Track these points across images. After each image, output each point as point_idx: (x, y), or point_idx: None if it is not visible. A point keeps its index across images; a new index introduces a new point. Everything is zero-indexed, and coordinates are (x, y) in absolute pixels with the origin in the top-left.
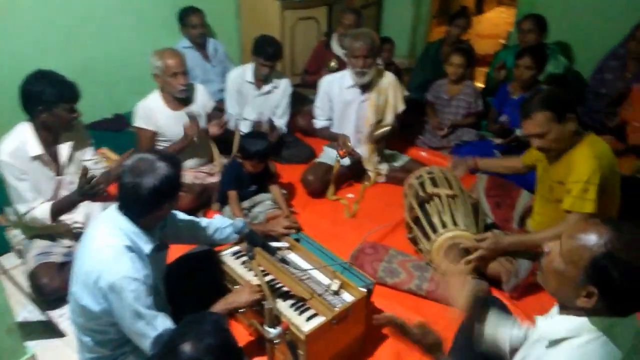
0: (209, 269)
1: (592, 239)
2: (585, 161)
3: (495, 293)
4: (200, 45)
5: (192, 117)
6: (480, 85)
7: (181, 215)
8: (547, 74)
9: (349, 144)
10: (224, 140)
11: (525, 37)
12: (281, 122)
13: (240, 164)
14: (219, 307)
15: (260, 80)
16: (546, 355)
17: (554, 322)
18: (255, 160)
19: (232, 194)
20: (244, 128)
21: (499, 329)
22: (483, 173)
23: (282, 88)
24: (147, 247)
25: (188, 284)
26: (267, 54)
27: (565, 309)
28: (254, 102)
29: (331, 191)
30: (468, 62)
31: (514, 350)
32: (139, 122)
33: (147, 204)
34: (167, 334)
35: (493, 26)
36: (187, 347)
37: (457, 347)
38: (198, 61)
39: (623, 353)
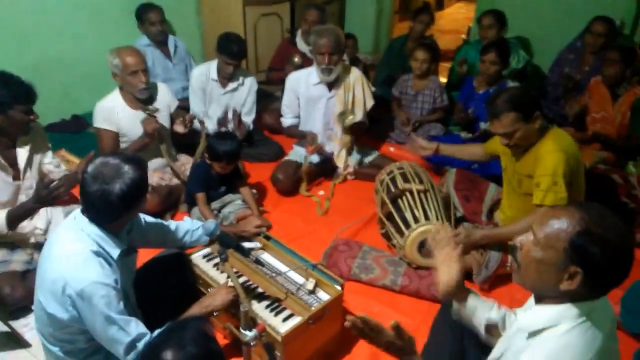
0: (179, 273)
1: (565, 221)
2: (552, 154)
3: (467, 285)
4: (160, 42)
5: (150, 113)
6: (443, 80)
7: (148, 219)
8: (510, 68)
9: (318, 141)
10: (190, 139)
11: (486, 33)
12: (248, 120)
13: (208, 165)
14: (195, 311)
15: (225, 78)
16: (529, 346)
17: (532, 314)
18: (225, 162)
19: (201, 196)
20: (210, 126)
21: (477, 309)
22: (451, 166)
23: (248, 85)
24: (114, 251)
25: (158, 288)
26: (231, 53)
27: (542, 299)
28: (219, 100)
29: (304, 187)
30: (433, 58)
31: (489, 328)
32: (99, 123)
33: (117, 210)
34: (144, 341)
35: (453, 21)
36: (168, 356)
37: (433, 342)
38: (159, 59)
39: (603, 335)
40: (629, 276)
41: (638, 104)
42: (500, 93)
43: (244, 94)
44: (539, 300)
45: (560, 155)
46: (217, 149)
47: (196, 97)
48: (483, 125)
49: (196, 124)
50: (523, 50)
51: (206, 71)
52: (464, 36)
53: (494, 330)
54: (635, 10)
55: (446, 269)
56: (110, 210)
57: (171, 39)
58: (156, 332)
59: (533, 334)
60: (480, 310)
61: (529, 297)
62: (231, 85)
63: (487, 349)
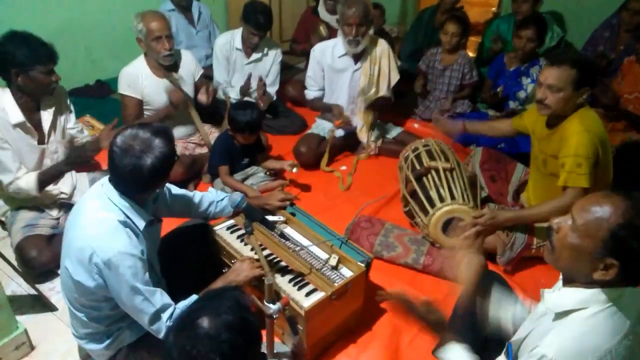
0: (202, 243)
1: (607, 210)
2: (578, 135)
3: (491, 266)
4: (184, 8)
5: (175, 83)
6: (472, 55)
7: (174, 189)
8: (545, 46)
9: (345, 113)
10: (213, 109)
11: (519, 7)
12: (271, 91)
13: (230, 136)
14: (219, 286)
15: (250, 48)
16: (554, 327)
17: (562, 295)
18: (247, 133)
19: (224, 169)
20: (232, 95)
21: (502, 309)
22: (476, 144)
23: (272, 56)
24: (141, 222)
25: (181, 258)
26: (257, 23)
27: (571, 282)
28: (242, 69)
29: (325, 162)
30: (464, 31)
31: (517, 329)
32: (123, 89)
33: (147, 184)
34: (168, 312)
35: None
36: (204, 322)
37: (456, 325)
38: (182, 25)
39: (630, 322)
40: None
41: None
42: (571, 49)
43: (267, 65)
44: (568, 282)
45: (586, 135)
46: (238, 119)
47: (220, 65)
48: (512, 105)
49: (220, 94)
50: (557, 27)
51: (230, 40)
52: (494, 9)
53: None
54: None
55: (467, 265)
56: (141, 183)
57: (195, 5)
58: (181, 303)
59: (559, 316)
60: (505, 306)
61: (554, 282)
62: (255, 56)
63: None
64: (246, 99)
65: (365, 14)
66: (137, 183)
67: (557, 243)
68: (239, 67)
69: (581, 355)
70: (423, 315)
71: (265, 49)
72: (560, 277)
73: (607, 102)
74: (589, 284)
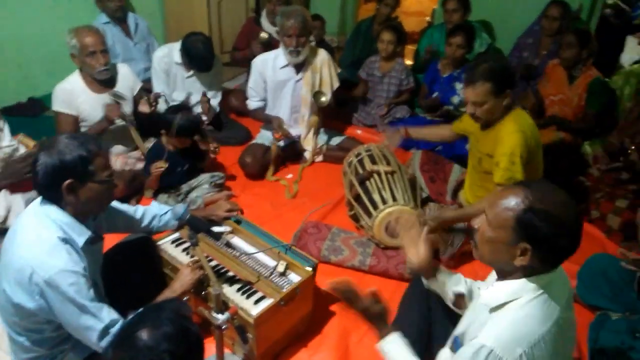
0: (145, 258)
1: (511, 200)
2: (512, 135)
3: (434, 263)
4: (119, 19)
5: (117, 98)
6: (409, 62)
7: (114, 204)
8: (474, 52)
9: (284, 126)
10: (154, 122)
11: (450, 17)
12: (214, 103)
13: (162, 146)
14: (167, 296)
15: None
16: (490, 319)
17: (495, 290)
18: (182, 135)
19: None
20: None
21: (446, 283)
22: (416, 148)
23: (214, 68)
24: (80, 238)
25: (124, 275)
26: (199, 69)
27: (503, 275)
28: (183, 83)
29: (270, 172)
30: (399, 39)
31: (458, 299)
32: (58, 106)
33: (48, 184)
34: (117, 327)
35: (418, 4)
36: (143, 334)
37: (402, 317)
38: (118, 37)
39: (560, 307)
40: (584, 251)
41: (593, 85)
42: (482, 62)
43: (209, 77)
44: (500, 276)
45: (520, 135)
46: (171, 121)
47: (159, 79)
48: (447, 108)
49: (162, 105)
50: (486, 34)
51: (169, 53)
52: (428, 19)
53: (461, 301)
54: None
55: (414, 250)
56: (45, 183)
57: (131, 17)
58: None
59: (496, 308)
60: (449, 283)
61: (490, 272)
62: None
63: (454, 320)
64: None
65: (303, 25)
66: (43, 182)
67: (478, 240)
68: (180, 81)
69: (517, 342)
70: (367, 306)
71: None
72: (492, 272)
73: (530, 107)
74: (517, 273)
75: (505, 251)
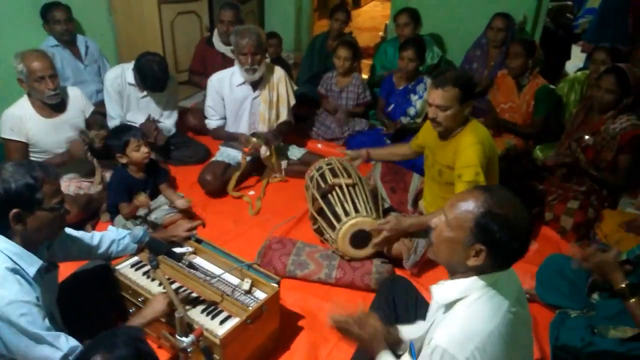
0: (104, 285)
1: (471, 203)
2: (471, 147)
3: (398, 271)
4: (68, 42)
5: (84, 135)
6: (365, 76)
7: (69, 230)
8: (426, 64)
9: (252, 140)
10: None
11: (402, 31)
12: (169, 123)
13: (126, 171)
14: (136, 322)
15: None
16: (444, 319)
17: (445, 287)
18: (136, 139)
19: (123, 207)
20: None
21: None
22: (378, 161)
23: (168, 87)
24: (31, 268)
25: (83, 304)
26: (153, 89)
27: (454, 274)
28: (138, 104)
29: (232, 185)
30: (354, 55)
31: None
32: (6, 133)
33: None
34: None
35: (371, 19)
36: (98, 359)
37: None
38: (68, 60)
39: (509, 302)
40: (541, 252)
41: (540, 92)
42: (450, 69)
43: (164, 97)
44: (451, 275)
45: (479, 147)
46: (118, 142)
47: (112, 101)
48: (404, 120)
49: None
50: (437, 47)
51: (121, 74)
52: (381, 33)
53: None
54: (535, 7)
55: (373, 332)
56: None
57: (81, 39)
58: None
59: (448, 307)
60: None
61: None
62: None
63: None
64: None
65: (258, 43)
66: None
67: (435, 239)
68: (134, 102)
69: (468, 339)
70: (360, 334)
71: None
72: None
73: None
74: (467, 272)
75: (460, 251)
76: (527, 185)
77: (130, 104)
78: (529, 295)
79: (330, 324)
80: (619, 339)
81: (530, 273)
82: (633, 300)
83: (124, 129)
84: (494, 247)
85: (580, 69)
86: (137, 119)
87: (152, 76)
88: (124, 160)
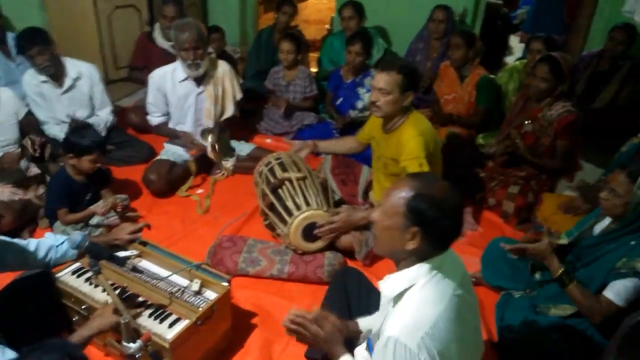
0: (44, 295)
1: (402, 188)
2: (413, 140)
3: (350, 263)
4: None
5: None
6: (313, 70)
7: (3, 239)
8: (373, 57)
9: (196, 140)
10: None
11: (347, 24)
12: (105, 113)
13: (67, 175)
14: (83, 333)
15: (52, 75)
16: (395, 310)
17: (392, 280)
18: (95, 153)
19: (62, 212)
20: (56, 132)
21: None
22: (327, 154)
23: (88, 75)
24: None
25: (22, 313)
26: (22, 48)
27: (399, 263)
28: (60, 101)
29: (184, 188)
30: (298, 48)
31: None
32: None
33: None
34: None
35: (317, 12)
36: None
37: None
38: None
39: (454, 284)
40: (486, 237)
41: (481, 82)
42: (399, 58)
43: (86, 88)
44: (397, 265)
45: (420, 139)
46: (80, 142)
47: (37, 105)
48: (352, 113)
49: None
50: (381, 39)
51: (34, 74)
52: (328, 26)
53: None
54: (474, 1)
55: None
56: None
57: (10, 36)
58: None
59: (397, 299)
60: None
61: None
62: (67, 82)
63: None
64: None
65: (199, 37)
66: None
67: (375, 231)
68: (55, 99)
69: (418, 325)
70: (317, 332)
71: (74, 72)
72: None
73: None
74: (410, 259)
75: (398, 236)
76: (470, 173)
77: (52, 102)
78: (475, 278)
79: (283, 325)
80: (560, 316)
81: (476, 257)
82: (570, 286)
83: (88, 132)
84: (427, 227)
85: (519, 59)
86: (63, 116)
87: (20, 38)
88: (72, 162)
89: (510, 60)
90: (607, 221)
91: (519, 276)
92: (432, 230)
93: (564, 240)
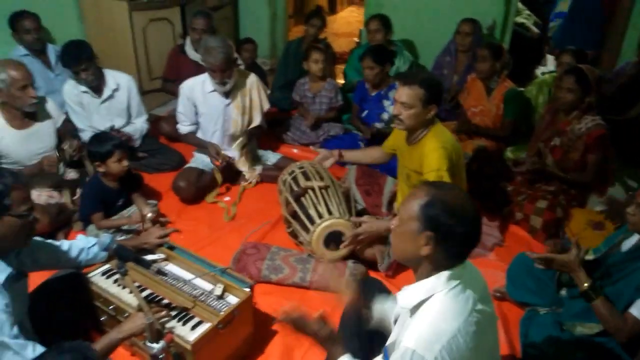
0: (76, 294)
1: (417, 195)
2: (435, 152)
3: (373, 274)
4: (38, 52)
5: (60, 152)
6: (340, 81)
7: (38, 240)
8: (397, 69)
9: (222, 152)
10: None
11: (373, 37)
12: (140, 121)
13: (100, 180)
14: (113, 336)
15: (94, 86)
16: (412, 321)
17: (410, 291)
18: (116, 154)
19: (97, 217)
20: None
21: (385, 309)
22: (351, 164)
23: (125, 86)
24: (0, 275)
25: (54, 312)
26: (66, 63)
27: (415, 270)
28: (99, 110)
29: (213, 195)
30: (326, 60)
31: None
32: None
33: None
34: None
35: (347, 24)
36: None
37: (343, 332)
38: (38, 70)
39: (474, 300)
40: (512, 251)
41: (508, 95)
42: (423, 71)
43: (124, 98)
44: (415, 273)
45: (442, 151)
46: (100, 149)
47: (76, 114)
48: (378, 125)
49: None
50: (407, 52)
51: (75, 84)
52: (356, 39)
53: None
54: (504, 12)
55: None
56: None
57: (51, 48)
58: None
59: (414, 310)
60: (386, 307)
61: None
62: (107, 93)
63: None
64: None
65: (227, 60)
66: None
67: (393, 238)
68: (94, 109)
69: (436, 338)
70: (316, 331)
71: (114, 82)
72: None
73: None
74: (426, 267)
75: (412, 241)
76: (498, 186)
77: (91, 112)
78: (500, 293)
79: (281, 318)
80: (586, 335)
81: (501, 271)
82: (597, 301)
83: (105, 137)
84: (441, 232)
85: (549, 72)
86: (101, 125)
87: (64, 52)
88: (102, 169)
89: (541, 73)
90: (635, 238)
91: (544, 292)
92: (446, 236)
93: (590, 256)
